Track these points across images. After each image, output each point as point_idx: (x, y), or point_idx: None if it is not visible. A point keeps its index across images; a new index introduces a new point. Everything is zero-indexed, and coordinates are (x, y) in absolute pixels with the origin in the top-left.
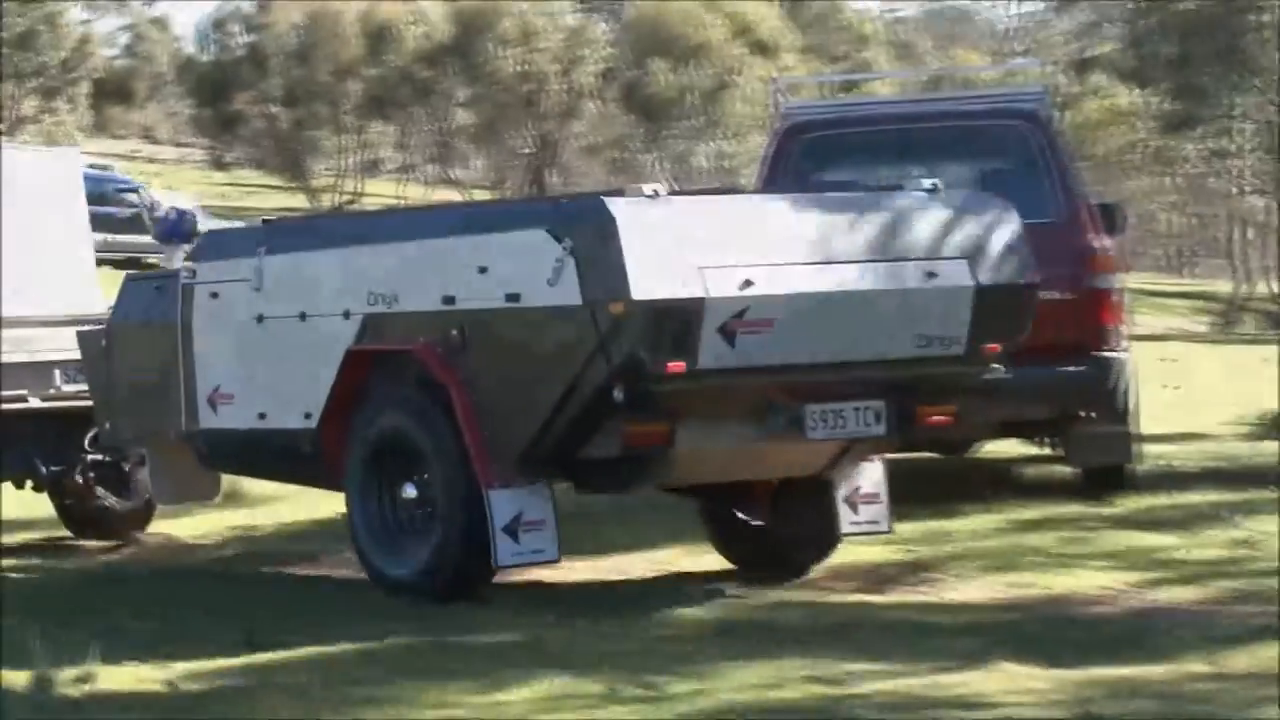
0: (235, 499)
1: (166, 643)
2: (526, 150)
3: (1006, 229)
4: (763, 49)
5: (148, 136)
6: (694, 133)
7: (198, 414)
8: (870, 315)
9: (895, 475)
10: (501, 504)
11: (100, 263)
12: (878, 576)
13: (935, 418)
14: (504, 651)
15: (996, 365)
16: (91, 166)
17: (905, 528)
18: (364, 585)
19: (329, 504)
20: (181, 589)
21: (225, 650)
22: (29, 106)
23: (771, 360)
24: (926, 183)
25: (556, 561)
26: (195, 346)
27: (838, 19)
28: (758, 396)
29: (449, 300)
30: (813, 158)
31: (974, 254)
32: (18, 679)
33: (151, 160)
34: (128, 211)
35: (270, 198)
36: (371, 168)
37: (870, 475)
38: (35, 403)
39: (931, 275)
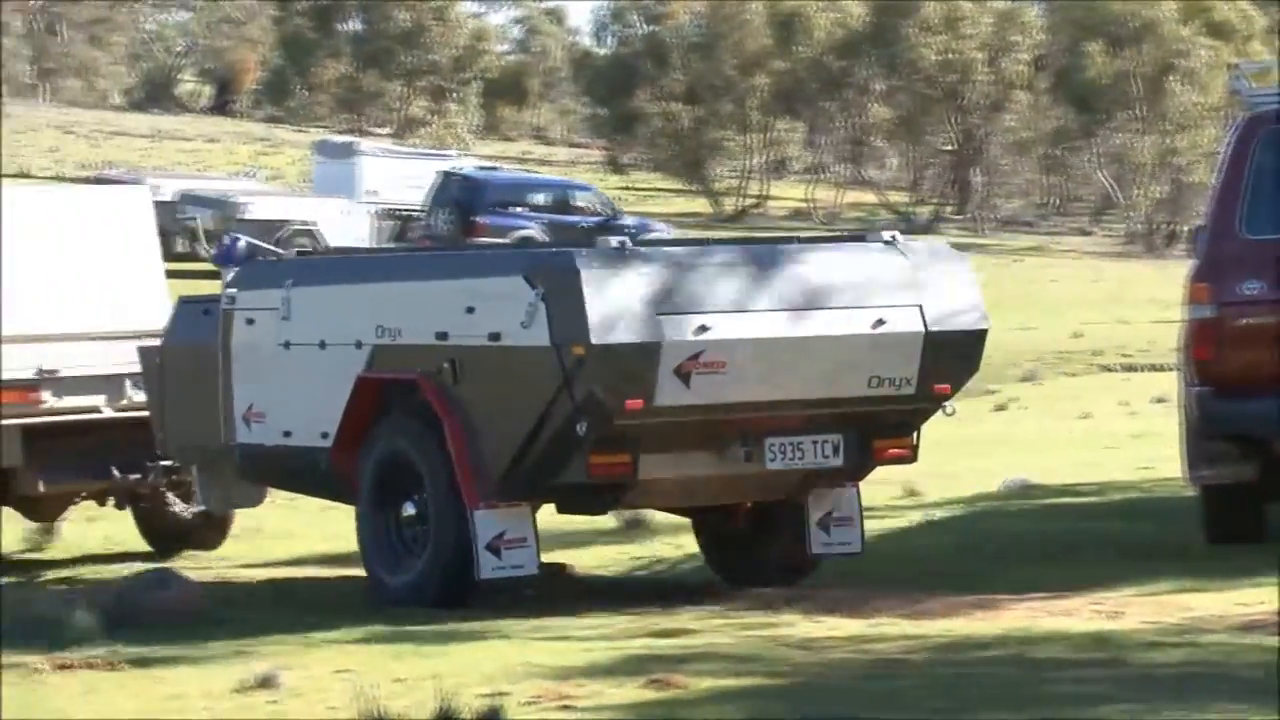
0: (637, 528)
1: None
2: (948, 147)
3: (959, 278)
4: (1216, 30)
5: (539, 137)
6: (1135, 125)
7: (234, 429)
8: (821, 358)
9: None
10: (485, 523)
11: None
12: None
13: (892, 450)
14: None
15: (947, 404)
16: (481, 168)
17: None
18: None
19: None
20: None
21: None
22: (418, 108)
23: (727, 398)
24: (885, 234)
25: (536, 576)
26: (233, 367)
27: None
28: (716, 431)
29: (442, 336)
30: None
31: (925, 302)
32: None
33: (544, 162)
34: (592, 220)
35: (669, 202)
36: (778, 168)
37: (844, 500)
38: (109, 413)
39: (882, 322)
